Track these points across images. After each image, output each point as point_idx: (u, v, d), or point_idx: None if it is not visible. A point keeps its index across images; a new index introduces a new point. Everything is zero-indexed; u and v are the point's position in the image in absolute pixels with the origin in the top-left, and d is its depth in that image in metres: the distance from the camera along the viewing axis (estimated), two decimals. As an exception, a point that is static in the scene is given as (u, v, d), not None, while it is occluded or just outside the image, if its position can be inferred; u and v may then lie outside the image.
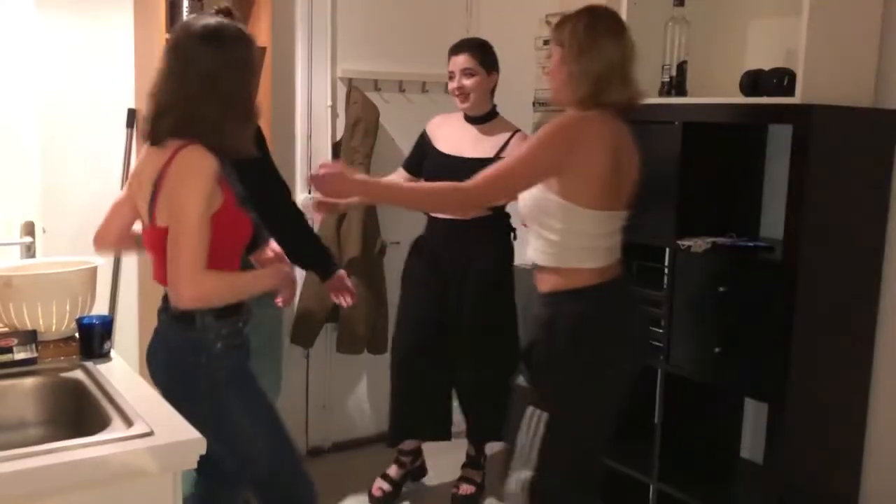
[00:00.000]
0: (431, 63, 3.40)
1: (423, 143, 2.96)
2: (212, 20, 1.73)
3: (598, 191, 1.87)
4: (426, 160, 2.90)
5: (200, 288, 1.66)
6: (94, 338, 1.83)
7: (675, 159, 2.37)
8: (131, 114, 3.18)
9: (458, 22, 3.67)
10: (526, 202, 1.95)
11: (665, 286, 2.58)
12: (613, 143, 1.89)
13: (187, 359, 1.76)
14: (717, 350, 2.30)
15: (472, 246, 2.84)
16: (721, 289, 2.28)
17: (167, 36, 1.84)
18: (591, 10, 1.94)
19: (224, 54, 1.70)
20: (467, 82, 2.80)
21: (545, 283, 1.96)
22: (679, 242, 2.36)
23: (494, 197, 2.02)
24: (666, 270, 2.62)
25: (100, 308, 3.13)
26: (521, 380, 2.01)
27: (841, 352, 2.29)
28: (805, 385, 2.18)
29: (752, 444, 2.63)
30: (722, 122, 2.35)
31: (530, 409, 1.93)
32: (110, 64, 3.13)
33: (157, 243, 1.73)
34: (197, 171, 1.66)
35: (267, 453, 1.83)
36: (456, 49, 2.84)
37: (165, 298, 1.84)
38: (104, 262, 1.97)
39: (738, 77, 2.34)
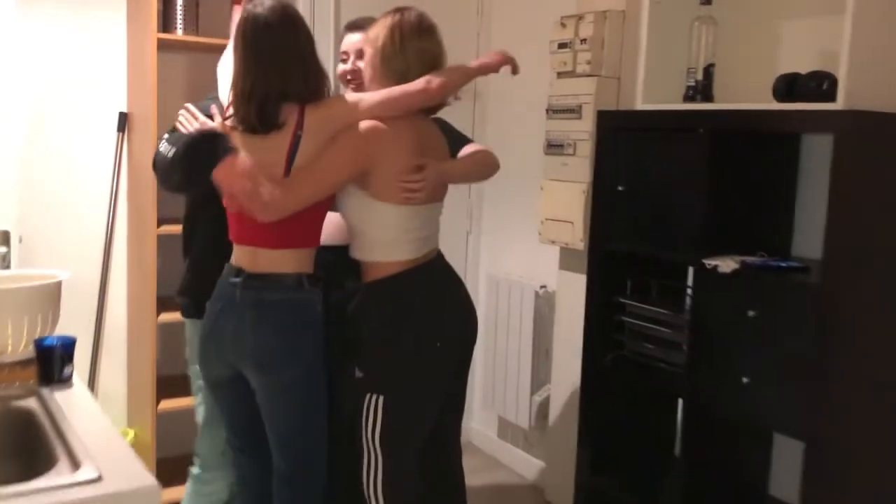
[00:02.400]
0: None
1: None
2: (272, 6, 1.86)
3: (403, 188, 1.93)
4: None
5: None
6: (53, 361, 1.64)
7: (701, 171, 2.18)
8: (122, 117, 3.03)
9: (468, 24, 3.51)
10: (343, 199, 1.98)
11: (687, 308, 2.39)
12: (416, 141, 1.95)
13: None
14: (745, 381, 2.09)
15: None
16: (751, 313, 2.08)
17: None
18: (398, 11, 2.00)
19: (303, 33, 1.91)
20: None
21: (363, 275, 2.02)
22: (705, 261, 2.15)
23: (307, 200, 1.91)
24: (689, 291, 2.43)
25: (85, 325, 3.00)
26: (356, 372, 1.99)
27: (885, 385, 2.07)
28: (844, 422, 1.97)
29: (783, 481, 2.41)
30: (753, 130, 2.15)
31: (367, 396, 1.96)
32: (101, 65, 2.98)
33: None
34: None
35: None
36: (353, 26, 2.40)
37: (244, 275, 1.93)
38: (69, 276, 1.78)
39: (771, 81, 2.14)
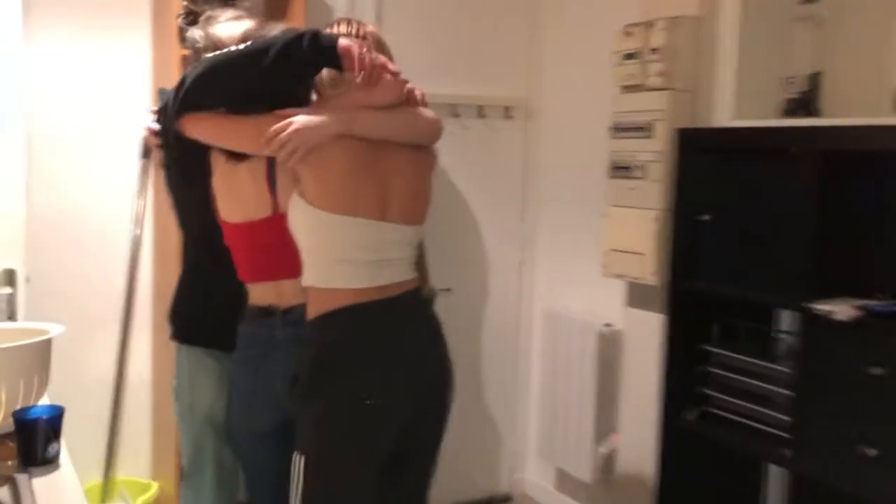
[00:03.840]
0: (489, 84, 2.97)
1: None
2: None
3: (336, 190, 1.68)
4: None
5: None
6: (36, 438, 1.37)
7: (805, 197, 1.85)
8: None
9: (518, 35, 3.24)
10: (290, 212, 1.74)
11: (778, 354, 2.06)
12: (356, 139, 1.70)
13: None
14: (869, 452, 1.73)
15: None
16: (875, 370, 1.72)
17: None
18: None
19: None
20: None
21: (308, 307, 1.75)
22: (814, 306, 1.80)
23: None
24: (781, 335, 2.10)
25: (105, 371, 2.74)
26: None
27: None
28: None
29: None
30: (869, 149, 1.80)
31: (294, 455, 1.71)
32: (123, 88, 2.75)
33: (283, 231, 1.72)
34: None
35: None
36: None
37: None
38: (62, 331, 1.51)
39: (889, 91, 1.81)
